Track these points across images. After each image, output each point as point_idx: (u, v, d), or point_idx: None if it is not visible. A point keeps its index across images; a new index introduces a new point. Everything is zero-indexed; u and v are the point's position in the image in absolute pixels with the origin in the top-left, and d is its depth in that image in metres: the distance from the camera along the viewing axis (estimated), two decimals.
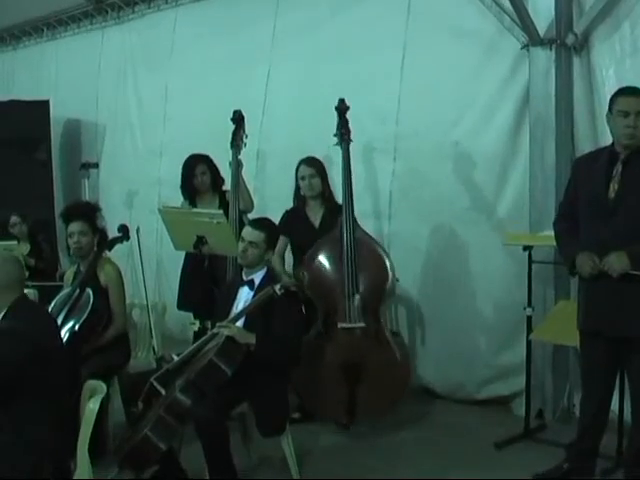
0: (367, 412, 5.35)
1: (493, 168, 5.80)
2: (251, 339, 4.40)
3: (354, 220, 5.46)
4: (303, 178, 5.73)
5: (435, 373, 6.17)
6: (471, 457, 4.98)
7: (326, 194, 5.79)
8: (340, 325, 5.33)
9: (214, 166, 6.18)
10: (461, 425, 5.61)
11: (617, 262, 4.05)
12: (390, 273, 5.44)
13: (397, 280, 5.54)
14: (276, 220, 5.15)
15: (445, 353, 6.11)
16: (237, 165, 6.00)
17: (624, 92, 4.19)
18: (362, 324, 5.32)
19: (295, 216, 5.82)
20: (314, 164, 5.75)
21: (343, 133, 5.60)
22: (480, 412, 5.83)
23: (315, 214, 5.79)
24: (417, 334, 6.24)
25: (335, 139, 5.66)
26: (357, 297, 5.32)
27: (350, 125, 5.63)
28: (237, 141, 6.01)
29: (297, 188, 5.81)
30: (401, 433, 5.34)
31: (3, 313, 3.61)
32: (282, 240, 5.74)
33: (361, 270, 5.37)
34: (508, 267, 5.67)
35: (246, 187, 6.12)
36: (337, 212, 5.57)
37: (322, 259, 5.49)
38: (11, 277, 3.65)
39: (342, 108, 5.65)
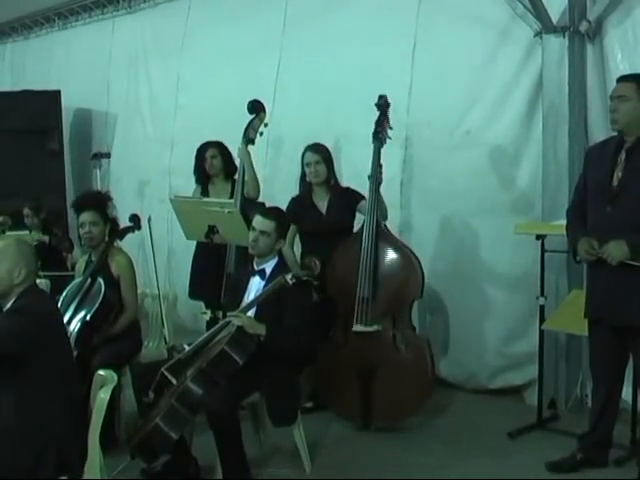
0: (382, 418, 5.28)
1: (505, 157, 5.77)
2: (261, 329, 4.40)
3: (378, 222, 5.34)
4: (308, 164, 5.67)
5: (447, 362, 6.15)
6: (484, 446, 4.96)
7: (331, 181, 5.73)
8: (354, 328, 5.29)
9: (227, 152, 6.21)
10: (473, 414, 5.61)
11: (616, 250, 4.11)
12: (415, 281, 5.31)
13: None
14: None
15: (457, 342, 6.10)
16: (243, 155, 6.01)
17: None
18: (376, 328, 5.25)
19: (302, 204, 5.76)
20: (319, 150, 5.68)
21: (378, 131, 5.46)
22: (492, 401, 5.82)
23: (321, 200, 5.72)
24: (429, 323, 6.22)
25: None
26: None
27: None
28: (248, 131, 6.01)
29: (303, 174, 5.76)
30: (413, 422, 5.30)
31: (14, 299, 3.63)
32: (291, 229, 5.74)
33: (381, 275, 5.28)
34: (520, 256, 5.63)
35: (254, 174, 6.11)
36: (344, 197, 5.54)
37: (342, 259, 5.40)
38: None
39: (382, 105, 5.49)
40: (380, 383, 5.23)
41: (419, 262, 5.35)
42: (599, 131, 5.28)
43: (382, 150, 5.51)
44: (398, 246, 5.39)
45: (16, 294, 3.62)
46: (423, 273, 5.35)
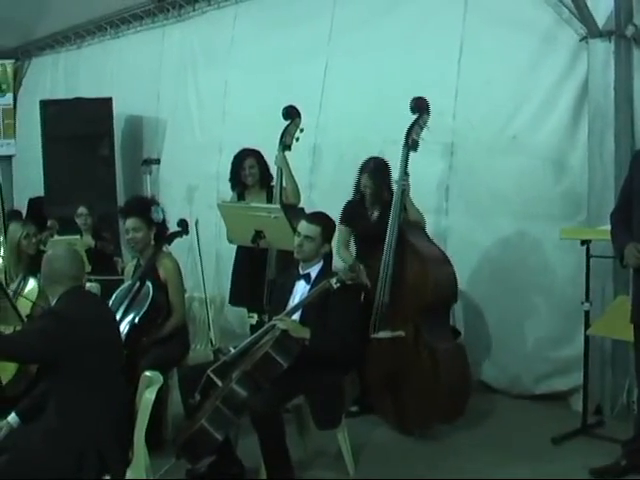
0: (415, 424, 5.28)
1: (551, 161, 5.75)
2: (305, 333, 4.44)
3: (400, 228, 5.34)
4: (365, 187, 5.68)
5: (492, 367, 6.15)
6: (528, 452, 4.94)
7: (384, 197, 5.64)
8: (372, 334, 5.32)
9: (263, 161, 6.24)
10: (518, 420, 5.58)
11: None
12: (438, 285, 5.26)
13: None
14: (332, 214, 5.15)
15: (502, 347, 6.08)
16: (281, 162, 6.07)
17: None
18: (397, 334, 5.23)
19: (355, 208, 5.79)
20: (374, 173, 5.62)
21: (409, 137, 5.44)
22: (537, 407, 5.79)
23: (374, 207, 5.73)
24: (474, 328, 6.20)
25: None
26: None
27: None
28: (285, 137, 6.07)
29: (358, 181, 5.76)
30: (457, 427, 5.30)
31: (56, 299, 3.78)
32: (346, 231, 5.80)
33: (400, 281, 5.28)
34: (566, 261, 5.61)
35: (294, 180, 6.17)
36: None
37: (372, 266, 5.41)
38: (59, 272, 3.79)
39: (415, 107, 5.46)
40: (407, 389, 5.23)
41: (450, 266, 5.33)
42: None
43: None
44: (420, 251, 5.33)
45: (58, 294, 3.76)
46: (455, 278, 5.33)
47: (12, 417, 3.82)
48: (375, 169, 5.66)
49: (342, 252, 5.76)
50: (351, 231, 5.82)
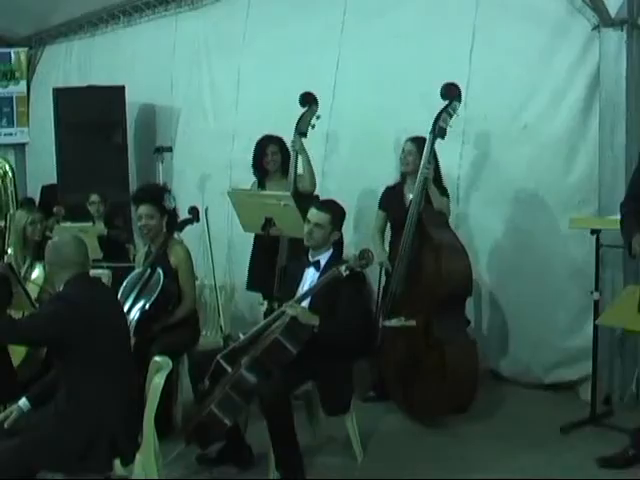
0: (423, 413, 5.29)
1: (562, 151, 5.74)
2: (314, 320, 4.44)
3: (420, 216, 5.36)
4: (403, 151, 5.74)
5: (502, 356, 6.15)
6: (536, 441, 4.95)
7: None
8: (382, 322, 5.36)
9: (286, 148, 6.26)
10: (527, 409, 5.59)
11: None
12: (454, 278, 5.25)
13: None
14: (346, 201, 5.16)
15: (513, 336, 6.09)
16: (299, 148, 6.09)
17: None
18: (406, 323, 5.24)
19: (392, 193, 5.84)
20: (419, 143, 5.60)
21: (435, 123, 5.42)
22: (547, 396, 5.80)
23: (409, 191, 5.71)
24: (484, 317, 6.22)
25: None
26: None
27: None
28: (300, 124, 6.09)
29: (401, 154, 5.81)
30: (467, 416, 5.30)
31: (62, 286, 3.81)
32: (382, 216, 5.88)
33: (416, 270, 5.29)
34: (576, 251, 5.61)
35: (311, 167, 6.18)
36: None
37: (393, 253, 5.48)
38: (65, 258, 3.82)
39: (444, 94, 5.45)
40: (416, 379, 5.25)
41: (466, 259, 5.31)
42: None
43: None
44: (436, 242, 5.31)
45: (64, 280, 3.78)
46: (470, 271, 5.31)
47: (23, 401, 3.86)
48: (421, 140, 5.59)
49: (374, 237, 5.83)
50: (387, 216, 5.87)
